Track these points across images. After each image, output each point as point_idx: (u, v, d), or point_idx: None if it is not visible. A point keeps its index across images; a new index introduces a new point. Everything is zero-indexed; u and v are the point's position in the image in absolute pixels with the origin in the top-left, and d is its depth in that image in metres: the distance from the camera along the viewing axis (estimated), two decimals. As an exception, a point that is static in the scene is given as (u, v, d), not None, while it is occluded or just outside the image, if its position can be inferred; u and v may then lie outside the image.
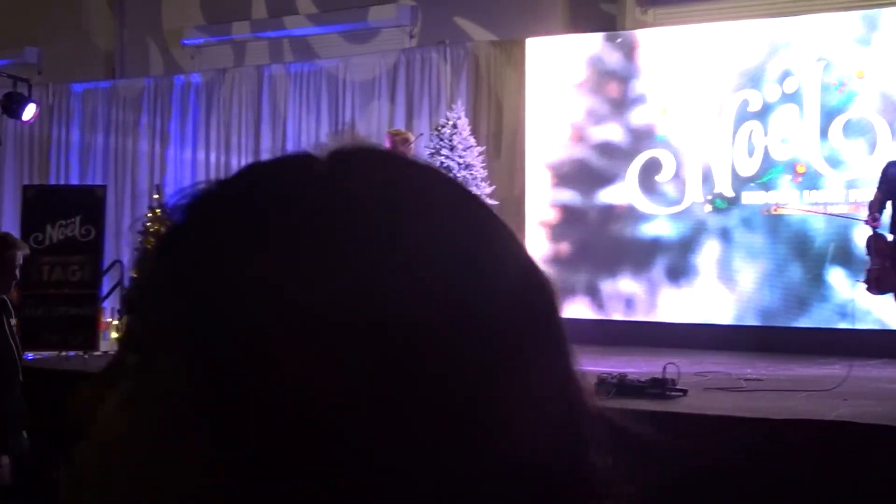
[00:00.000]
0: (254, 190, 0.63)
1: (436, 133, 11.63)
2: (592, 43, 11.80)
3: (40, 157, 15.81)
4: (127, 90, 15.15)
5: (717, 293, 11.07)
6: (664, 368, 7.13)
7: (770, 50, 10.89)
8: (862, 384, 7.68)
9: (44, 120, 15.16)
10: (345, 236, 0.59)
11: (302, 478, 0.57)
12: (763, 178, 10.90)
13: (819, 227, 10.60)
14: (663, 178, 11.36)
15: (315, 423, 0.56)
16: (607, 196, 11.66)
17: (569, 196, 11.82)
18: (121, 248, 14.08)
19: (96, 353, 10.19)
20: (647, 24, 12.00)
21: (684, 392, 7.08)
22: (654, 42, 11.51)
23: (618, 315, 11.40)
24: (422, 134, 11.70)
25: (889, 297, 8.33)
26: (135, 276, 0.66)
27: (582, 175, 11.76)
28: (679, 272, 11.26)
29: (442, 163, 10.80)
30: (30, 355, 8.49)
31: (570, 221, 11.75)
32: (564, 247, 11.64)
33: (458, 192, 0.66)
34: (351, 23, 13.73)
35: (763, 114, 10.91)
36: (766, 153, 10.89)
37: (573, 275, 11.16)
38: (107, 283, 11.49)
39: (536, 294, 0.64)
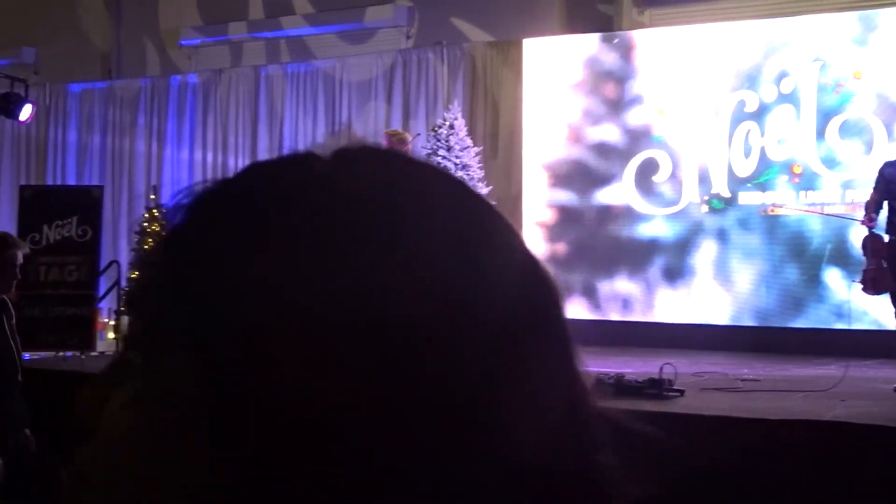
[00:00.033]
0: (254, 190, 0.63)
1: (433, 133, 11.63)
2: (589, 44, 11.80)
3: (37, 158, 15.80)
4: (124, 90, 15.13)
5: (714, 293, 11.08)
6: (661, 369, 7.13)
7: (767, 50, 10.90)
8: (858, 384, 7.68)
9: (40, 120, 15.16)
10: (345, 236, 0.59)
11: (302, 478, 0.57)
12: (760, 179, 10.91)
13: (816, 227, 10.61)
14: (660, 178, 11.37)
15: (315, 423, 0.56)
16: (604, 196, 11.66)
17: (565, 196, 11.82)
18: (118, 248, 14.07)
19: (93, 354, 10.19)
20: (644, 25, 12.00)
21: (681, 392, 7.08)
22: (651, 43, 11.51)
23: (615, 315, 11.41)
24: (419, 134, 11.69)
25: (885, 297, 8.33)
26: (137, 275, 0.67)
27: (579, 175, 11.76)
28: (676, 272, 11.26)
29: (439, 163, 10.77)
30: (26, 356, 8.48)
31: (566, 222, 11.76)
32: (561, 247, 11.63)
33: (458, 191, 0.66)
34: (348, 23, 13.72)
35: (760, 114, 10.91)
36: (763, 154, 10.90)
37: (570, 275, 11.16)
38: (104, 284, 11.48)
39: (538, 295, 0.64)
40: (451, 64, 12.69)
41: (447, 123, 11.49)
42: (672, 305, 11.25)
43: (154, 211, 12.16)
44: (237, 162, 13.99)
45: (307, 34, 14.13)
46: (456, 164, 11.21)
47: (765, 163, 10.89)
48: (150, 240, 11.75)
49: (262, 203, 0.62)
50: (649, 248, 11.40)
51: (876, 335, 9.61)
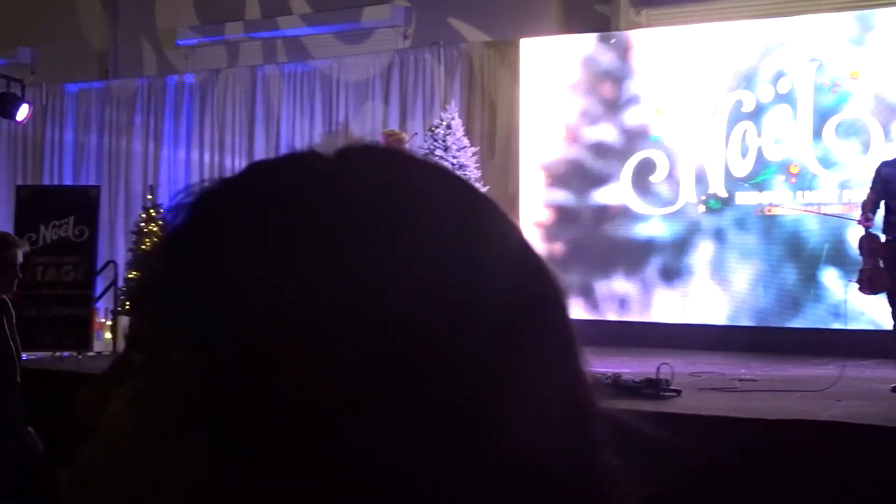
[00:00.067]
0: (255, 189, 0.63)
1: (430, 134, 11.63)
2: (586, 44, 11.81)
3: (34, 158, 15.79)
4: (120, 90, 15.13)
5: (711, 293, 11.08)
6: (658, 369, 7.14)
7: (763, 50, 10.90)
8: (855, 384, 7.69)
9: (37, 120, 15.16)
10: (345, 236, 0.59)
11: (302, 478, 0.57)
12: (757, 179, 10.92)
13: (813, 227, 10.62)
14: (657, 178, 11.38)
15: (315, 423, 0.56)
16: (601, 196, 11.67)
17: (563, 196, 11.83)
18: (115, 248, 14.06)
19: (90, 354, 10.18)
20: (641, 25, 12.01)
21: (678, 392, 7.09)
22: (648, 43, 11.52)
23: (612, 315, 11.41)
24: (416, 134, 11.70)
25: (882, 297, 8.33)
26: (139, 274, 0.66)
27: (576, 175, 11.77)
28: (673, 272, 11.27)
29: (436, 163, 10.78)
30: (23, 356, 8.47)
31: (563, 222, 11.76)
32: (558, 247, 11.64)
33: (457, 188, 0.66)
34: (345, 23, 13.72)
35: (757, 114, 10.92)
36: (760, 154, 10.90)
37: (567, 275, 11.15)
38: (100, 284, 11.47)
39: (536, 287, 0.64)
40: (449, 64, 12.69)
41: (444, 123, 11.49)
42: (669, 305, 11.26)
43: (151, 211, 12.15)
44: (234, 162, 14.00)
45: (304, 34, 14.13)
46: (453, 165, 11.20)
47: (762, 163, 10.89)
48: (146, 240, 11.75)
49: (262, 203, 0.62)
50: (646, 248, 11.40)
51: (873, 335, 9.62)
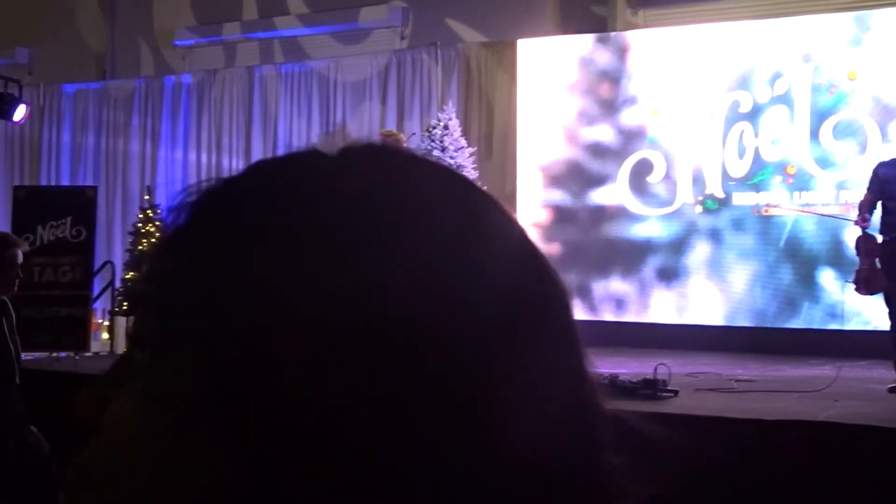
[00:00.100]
0: (256, 189, 0.63)
1: (427, 134, 11.62)
2: (583, 44, 11.81)
3: (31, 158, 15.79)
4: (118, 91, 15.12)
5: (708, 294, 11.09)
6: (655, 369, 7.14)
7: (760, 51, 10.91)
8: (852, 385, 7.70)
9: (35, 121, 15.15)
10: (344, 236, 0.60)
11: (302, 478, 0.57)
12: (754, 179, 10.93)
13: (810, 228, 10.62)
14: (654, 178, 11.38)
15: (315, 423, 0.57)
16: (598, 197, 11.67)
17: (560, 197, 11.83)
18: (112, 249, 14.06)
19: (87, 354, 10.18)
20: (638, 26, 12.01)
21: (675, 393, 7.09)
22: (645, 43, 11.52)
23: (609, 316, 11.41)
24: (414, 134, 11.70)
25: (879, 297, 8.34)
26: (142, 274, 0.67)
27: (573, 176, 11.77)
28: (670, 273, 11.27)
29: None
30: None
31: (561, 222, 11.76)
32: (556, 247, 11.63)
33: (460, 189, 0.66)
34: (342, 24, 13.72)
35: (754, 115, 10.93)
36: (757, 154, 10.91)
37: (564, 276, 11.03)
38: (98, 284, 11.47)
39: (542, 294, 0.64)
40: (446, 64, 12.70)
41: (441, 124, 11.49)
42: (666, 306, 11.27)
43: (148, 211, 12.14)
44: (231, 162, 14.01)
45: (301, 35, 14.13)
46: (450, 165, 11.19)
47: (759, 163, 10.90)
48: (144, 240, 11.74)
49: (263, 202, 0.62)
50: (643, 249, 11.41)
51: (870, 336, 9.62)
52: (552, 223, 11.78)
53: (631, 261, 11.43)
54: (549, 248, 11.51)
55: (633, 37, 11.70)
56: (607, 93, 11.67)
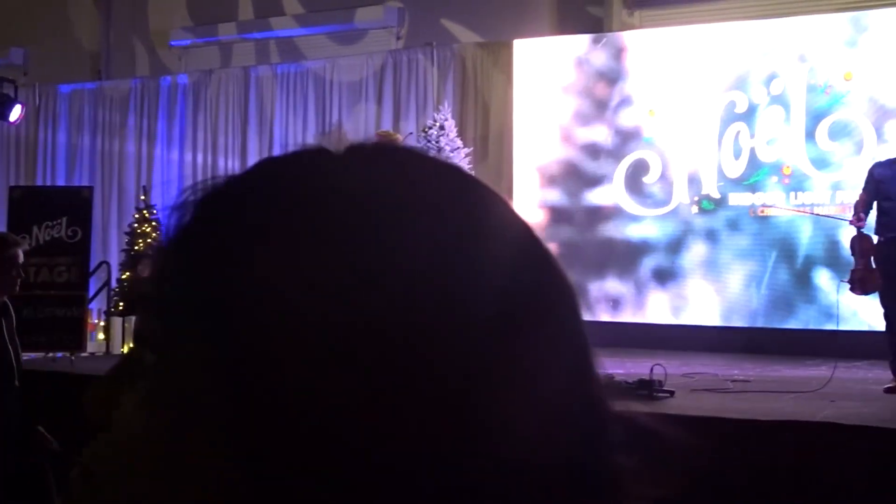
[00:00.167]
0: (258, 188, 0.63)
1: (423, 134, 11.62)
2: (579, 45, 11.82)
3: (27, 159, 15.77)
4: (114, 91, 15.11)
5: (704, 294, 11.09)
6: (651, 370, 7.14)
7: (756, 52, 10.92)
8: (848, 385, 7.70)
9: (30, 121, 15.12)
10: (344, 236, 0.60)
11: (302, 477, 0.57)
12: (750, 180, 10.93)
13: (805, 228, 10.63)
14: (650, 179, 11.39)
15: (315, 422, 0.57)
16: (594, 197, 11.67)
17: (556, 197, 11.84)
18: (108, 249, 14.05)
19: (83, 355, 10.16)
20: (634, 26, 12.02)
21: (671, 393, 7.09)
22: (641, 44, 11.53)
23: (605, 316, 11.41)
24: (410, 133, 11.69)
25: (874, 297, 8.34)
26: (142, 274, 0.67)
27: (569, 176, 11.78)
28: (666, 273, 11.28)
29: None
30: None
31: (557, 222, 11.76)
32: (552, 248, 11.37)
33: (462, 188, 0.66)
34: (338, 24, 13.72)
35: (749, 115, 10.94)
36: (753, 154, 10.92)
37: (561, 276, 11.12)
38: (93, 285, 11.46)
39: (545, 294, 0.64)
40: (442, 65, 12.70)
41: (437, 124, 11.48)
42: (662, 306, 11.27)
43: (144, 212, 12.14)
44: (227, 162, 14.00)
45: (297, 35, 14.13)
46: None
47: (755, 164, 10.91)
48: (140, 241, 11.73)
49: (265, 202, 0.62)
50: (639, 249, 11.41)
51: (865, 336, 9.63)
52: (548, 223, 11.78)
53: (627, 261, 11.44)
54: (545, 249, 11.51)
55: (629, 37, 11.70)
56: (603, 93, 11.67)
